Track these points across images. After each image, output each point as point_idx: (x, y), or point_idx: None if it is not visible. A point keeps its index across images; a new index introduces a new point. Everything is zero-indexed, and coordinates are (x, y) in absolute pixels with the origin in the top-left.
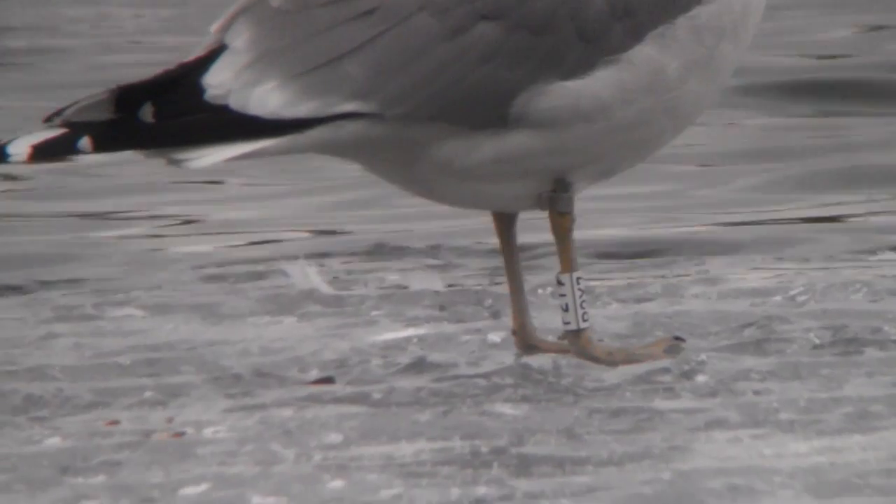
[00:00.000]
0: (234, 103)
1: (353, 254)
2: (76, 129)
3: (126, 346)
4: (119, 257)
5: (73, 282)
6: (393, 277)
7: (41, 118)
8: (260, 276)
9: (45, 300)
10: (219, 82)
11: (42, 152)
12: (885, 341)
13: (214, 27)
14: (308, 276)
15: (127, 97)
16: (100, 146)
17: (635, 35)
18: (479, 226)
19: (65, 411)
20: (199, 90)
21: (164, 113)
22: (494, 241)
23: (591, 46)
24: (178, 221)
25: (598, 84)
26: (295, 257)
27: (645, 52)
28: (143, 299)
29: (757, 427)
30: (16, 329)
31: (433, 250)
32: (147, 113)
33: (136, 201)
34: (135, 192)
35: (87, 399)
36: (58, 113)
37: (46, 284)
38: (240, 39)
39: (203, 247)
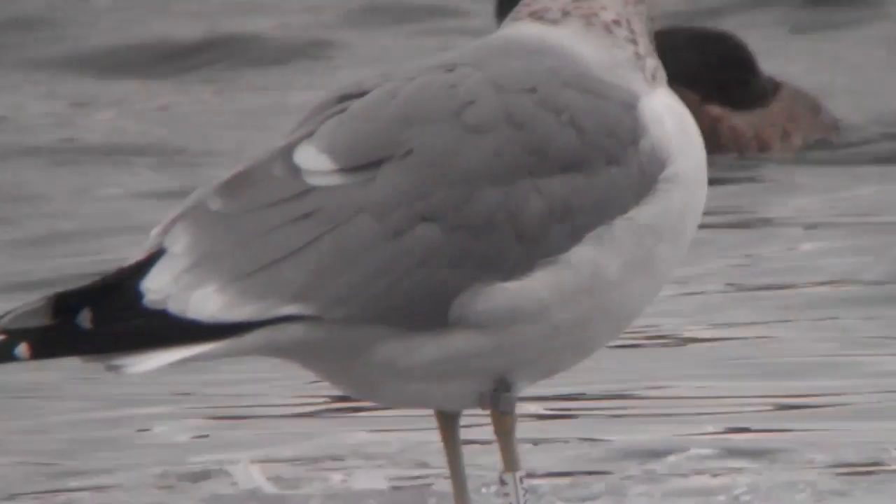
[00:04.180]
0: (173, 308)
1: (296, 453)
2: (13, 335)
3: None
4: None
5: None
6: (337, 476)
7: None
8: (202, 476)
9: None
10: (158, 287)
11: None
12: None
13: (155, 230)
14: (251, 475)
15: (64, 303)
16: (38, 352)
17: (574, 236)
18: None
19: None
20: (138, 295)
21: (103, 318)
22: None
23: (529, 248)
24: None
25: (538, 285)
26: (238, 458)
27: (584, 253)
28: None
29: None
30: None
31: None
32: (85, 318)
33: None
34: None
35: None
36: None
37: None
38: (178, 243)
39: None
